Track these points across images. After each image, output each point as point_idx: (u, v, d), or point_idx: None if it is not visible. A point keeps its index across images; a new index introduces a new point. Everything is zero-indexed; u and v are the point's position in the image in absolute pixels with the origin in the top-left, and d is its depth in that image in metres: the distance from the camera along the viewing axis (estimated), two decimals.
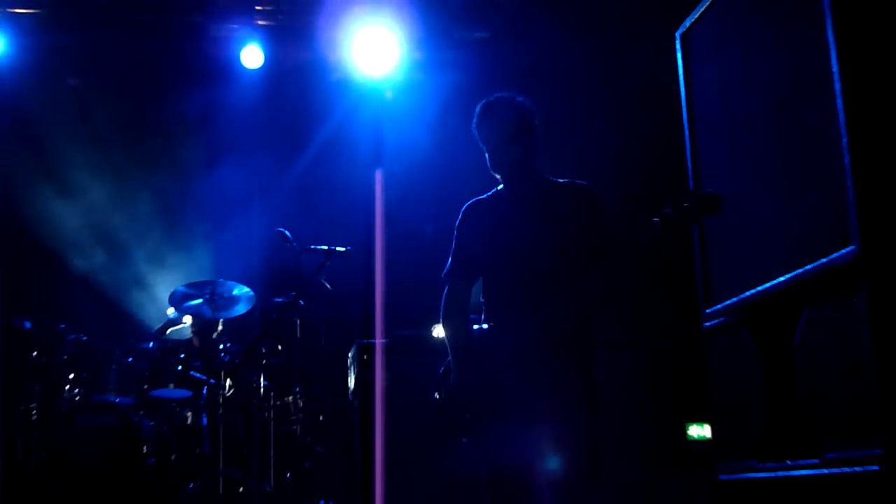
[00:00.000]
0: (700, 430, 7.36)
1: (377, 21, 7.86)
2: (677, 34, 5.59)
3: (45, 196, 8.20)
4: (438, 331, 7.53)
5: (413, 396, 5.90)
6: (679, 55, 5.53)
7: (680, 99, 5.53)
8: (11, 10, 7.98)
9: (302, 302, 6.83)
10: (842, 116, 3.33)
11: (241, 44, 8.25)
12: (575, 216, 4.47)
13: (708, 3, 5.08)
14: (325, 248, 6.53)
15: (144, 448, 6.66)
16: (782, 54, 4.08)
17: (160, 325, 7.55)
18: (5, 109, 8.16)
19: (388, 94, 8.55)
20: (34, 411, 6.99)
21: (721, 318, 4.84)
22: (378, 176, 6.05)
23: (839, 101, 3.35)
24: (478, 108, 4.74)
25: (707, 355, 5.09)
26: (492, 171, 4.53)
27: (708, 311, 5.02)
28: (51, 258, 8.10)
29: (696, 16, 5.26)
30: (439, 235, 7.62)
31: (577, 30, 7.82)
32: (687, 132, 5.38)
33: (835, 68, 3.40)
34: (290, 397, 7.00)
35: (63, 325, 7.18)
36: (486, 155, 4.53)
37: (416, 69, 8.20)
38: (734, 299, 4.43)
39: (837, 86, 3.37)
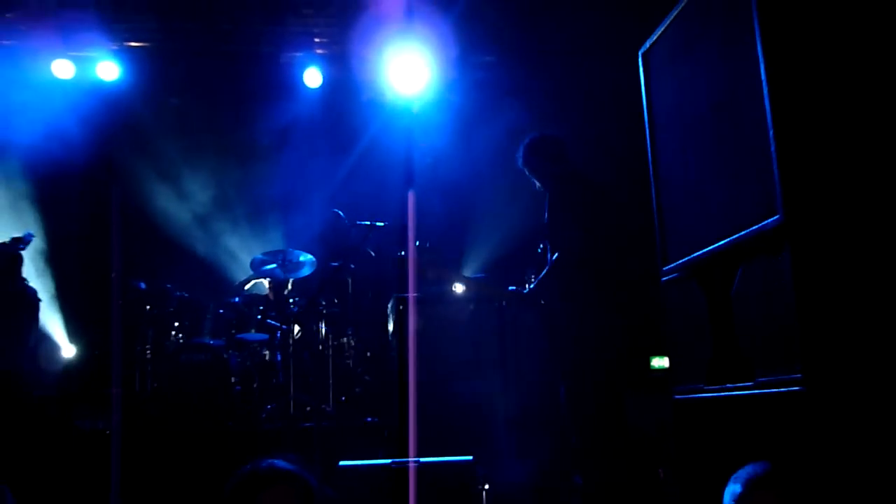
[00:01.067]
0: (661, 362, 7.31)
1: (410, 48, 7.75)
2: (640, 52, 5.50)
3: (155, 188, 8.21)
4: (458, 287, 7.51)
5: (437, 336, 5.94)
6: (641, 70, 5.45)
7: (642, 105, 5.46)
8: (127, 45, 7.97)
9: (352, 265, 6.81)
10: (769, 115, 3.34)
11: (304, 68, 8.17)
12: None
13: (664, 27, 4.99)
14: (368, 223, 6.51)
15: (232, 379, 6.69)
16: (721, 65, 4.04)
17: (242, 282, 7.59)
18: (125, 122, 8.16)
19: (415, 109, 8.48)
20: (148, 351, 7.03)
21: (675, 274, 4.79)
22: (410, 196, 5.97)
23: (767, 102, 3.34)
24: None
25: (664, 303, 5.04)
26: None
27: (665, 268, 4.97)
28: (160, 235, 8.10)
29: (655, 37, 5.17)
30: (453, 217, 7.66)
31: (559, 52, 7.71)
32: (648, 132, 5.30)
33: (763, 75, 3.38)
34: (345, 338, 6.99)
35: (169, 285, 7.21)
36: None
37: (444, 89, 8.05)
38: (685, 259, 4.39)
39: (765, 89, 3.36)
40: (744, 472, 2.41)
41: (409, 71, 7.92)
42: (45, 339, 7.30)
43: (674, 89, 5.07)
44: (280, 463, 2.28)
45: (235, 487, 2.24)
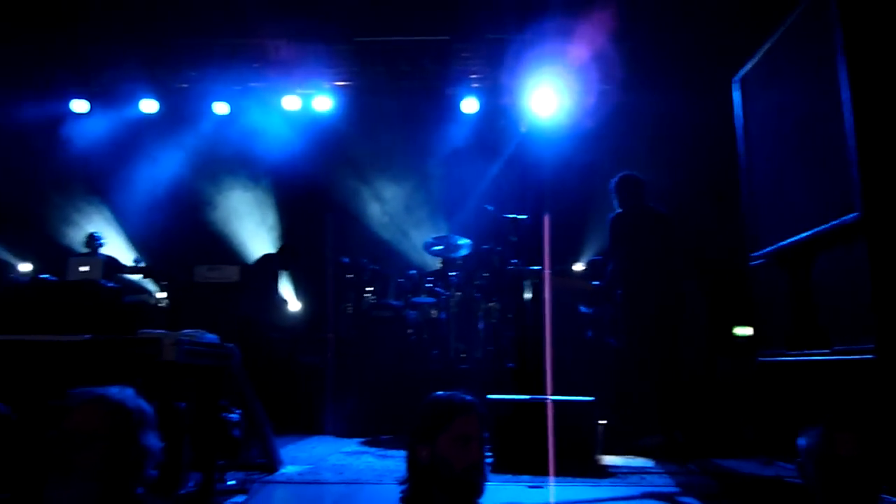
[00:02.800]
0: (743, 331, 6.88)
1: (546, 80, 7.64)
2: (735, 79, 5.19)
3: (357, 192, 8.42)
4: (578, 266, 7.35)
5: (562, 302, 5.88)
6: (736, 92, 5.14)
7: (735, 123, 5.17)
8: (337, 84, 8.24)
9: (499, 248, 6.79)
10: (851, 129, 3.09)
11: (462, 97, 8.18)
12: None
13: (758, 58, 4.69)
14: (512, 216, 6.48)
15: (409, 330, 6.82)
16: (805, 85, 3.77)
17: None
18: (336, 143, 8.37)
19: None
20: (349, 308, 7.25)
21: (762, 260, 4.53)
22: (546, 220, 5.91)
23: (849, 118, 3.09)
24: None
25: (752, 283, 4.78)
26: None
27: (753, 254, 4.71)
28: (360, 225, 8.32)
29: (750, 66, 4.88)
30: (577, 215, 7.51)
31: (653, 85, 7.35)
32: (742, 146, 5.03)
33: (847, 94, 3.12)
34: (491, 303, 6.99)
35: (365, 260, 7.41)
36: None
37: (574, 112, 7.84)
38: (772, 247, 4.13)
39: (849, 106, 3.10)
40: (822, 419, 2.20)
41: (544, 98, 7.81)
42: (281, 298, 7.67)
43: (762, 108, 4.78)
44: (465, 395, 2.21)
45: (436, 410, 2.17)
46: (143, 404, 2.10)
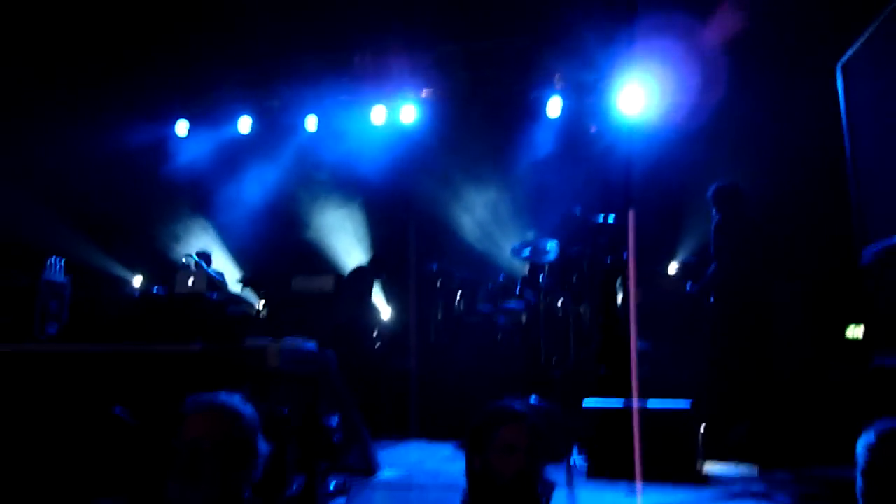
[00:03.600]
0: (854, 332, 6.47)
1: (630, 80, 7.48)
2: (838, 65, 4.93)
3: (443, 199, 8.46)
4: (672, 267, 7.16)
5: (651, 308, 5.81)
6: (840, 78, 4.88)
7: (840, 112, 4.91)
8: (422, 93, 8.36)
9: (588, 251, 6.70)
10: None
11: (546, 99, 8.12)
12: None
13: (862, 41, 4.43)
14: (601, 218, 6.39)
15: (498, 336, 6.81)
16: None
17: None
18: (421, 152, 8.34)
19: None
20: (438, 314, 7.30)
21: (875, 256, 4.27)
22: (631, 215, 5.84)
23: None
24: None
25: (865, 281, 4.52)
26: None
27: (865, 251, 4.46)
28: (447, 232, 8.35)
29: (852, 52, 4.61)
30: (670, 215, 7.29)
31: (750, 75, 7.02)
32: (847, 134, 4.76)
33: None
34: (581, 307, 6.89)
35: (453, 268, 7.46)
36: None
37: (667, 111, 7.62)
38: (886, 241, 3.90)
39: None
40: (878, 425, 2.03)
41: (633, 96, 7.65)
42: (374, 306, 7.85)
43: (869, 93, 4.52)
44: (515, 404, 2.25)
45: (484, 420, 2.24)
46: (252, 410, 2.20)
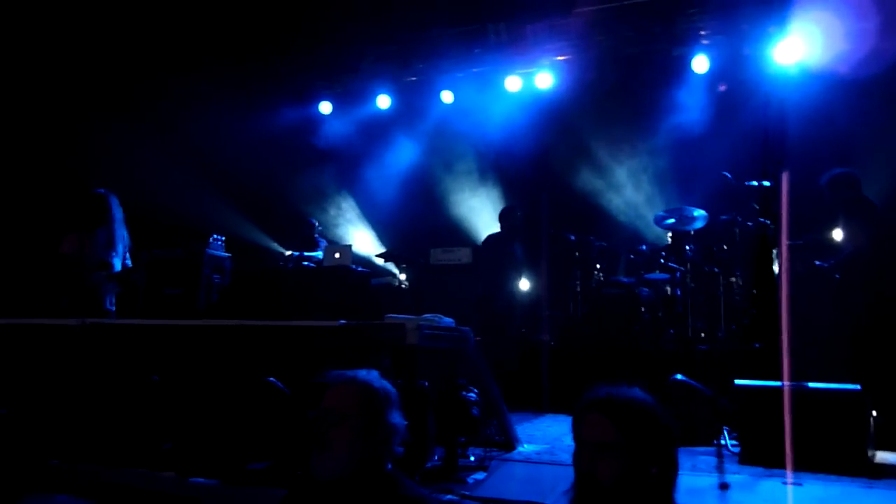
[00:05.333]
0: None
1: (792, 24, 6.81)
2: None
3: (581, 167, 8.19)
4: (837, 234, 6.49)
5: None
6: None
7: None
8: (558, 59, 8.12)
9: (740, 218, 6.25)
10: None
11: (692, 57, 7.58)
12: None
13: None
14: (755, 183, 5.89)
15: (642, 308, 6.55)
16: None
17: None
18: (558, 118, 8.08)
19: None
20: (577, 286, 7.15)
21: None
22: (784, 177, 5.34)
23: None
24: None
25: None
26: None
27: None
28: (586, 201, 8.11)
29: None
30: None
31: None
32: None
33: None
34: (733, 278, 6.45)
35: (592, 237, 7.23)
36: None
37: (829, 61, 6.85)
38: None
39: None
40: None
41: (789, 46, 6.97)
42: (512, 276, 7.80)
43: None
44: (603, 393, 1.84)
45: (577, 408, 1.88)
46: (388, 385, 2.25)
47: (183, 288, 6.40)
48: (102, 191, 5.62)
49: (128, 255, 5.72)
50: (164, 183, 7.74)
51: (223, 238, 6.82)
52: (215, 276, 6.63)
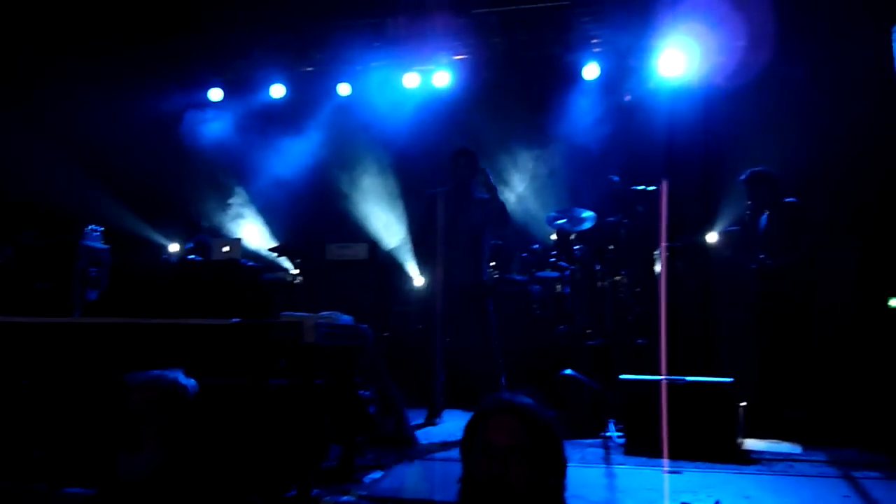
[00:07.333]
0: None
1: (672, 39, 7.24)
2: (895, 28, 4.66)
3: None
4: (712, 236, 6.96)
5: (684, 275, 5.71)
6: None
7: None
8: (456, 58, 8.19)
9: (626, 220, 6.57)
10: None
11: (584, 63, 7.89)
12: None
13: None
14: (641, 188, 6.23)
15: (534, 305, 6.76)
16: None
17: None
18: (457, 120, 8.09)
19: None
20: None
21: None
22: (664, 186, 5.69)
23: None
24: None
25: None
26: None
27: None
28: None
29: None
30: (710, 182, 7.06)
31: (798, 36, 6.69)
32: None
33: None
34: (618, 277, 6.77)
35: None
36: None
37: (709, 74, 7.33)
38: None
39: None
40: None
41: (672, 59, 7.41)
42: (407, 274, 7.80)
43: None
44: (507, 396, 1.88)
45: (474, 414, 1.91)
46: (193, 383, 2.36)
47: (55, 281, 5.94)
48: None
49: None
50: (37, 170, 7.17)
51: (101, 228, 6.39)
52: (92, 269, 6.19)
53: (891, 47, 4.87)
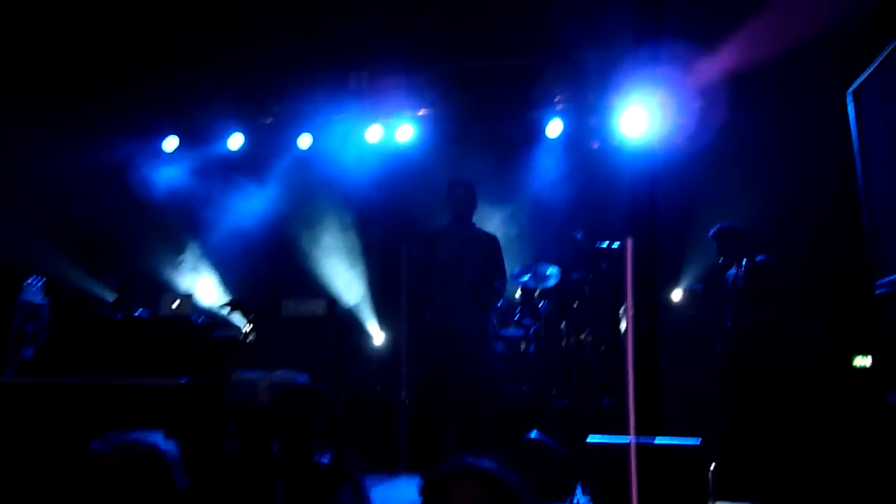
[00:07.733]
0: (862, 361, 6.35)
1: (634, 100, 7.42)
2: (849, 92, 4.86)
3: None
4: (676, 294, 7.03)
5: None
6: (851, 105, 4.80)
7: (851, 140, 4.83)
8: (419, 113, 8.27)
9: (590, 277, 6.59)
10: None
11: (547, 120, 8.03)
12: None
13: (874, 67, 4.37)
14: (605, 244, 6.28)
15: (498, 364, 6.63)
16: None
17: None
18: (420, 175, 8.09)
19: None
20: None
21: (888, 288, 4.17)
22: (629, 243, 5.75)
23: None
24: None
25: (879, 313, 4.40)
26: None
27: (878, 282, 4.34)
28: None
29: (865, 76, 4.54)
30: (674, 240, 7.16)
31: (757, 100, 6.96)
32: (859, 166, 4.68)
33: None
34: (583, 335, 6.75)
35: None
36: None
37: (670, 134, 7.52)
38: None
39: None
40: None
41: (634, 118, 7.60)
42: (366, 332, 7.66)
43: (882, 122, 4.44)
44: (470, 460, 1.84)
45: (434, 479, 1.86)
46: (173, 446, 2.17)
47: None
48: None
49: None
50: None
51: (43, 279, 6.13)
52: (29, 324, 5.93)
53: (846, 111, 5.06)
